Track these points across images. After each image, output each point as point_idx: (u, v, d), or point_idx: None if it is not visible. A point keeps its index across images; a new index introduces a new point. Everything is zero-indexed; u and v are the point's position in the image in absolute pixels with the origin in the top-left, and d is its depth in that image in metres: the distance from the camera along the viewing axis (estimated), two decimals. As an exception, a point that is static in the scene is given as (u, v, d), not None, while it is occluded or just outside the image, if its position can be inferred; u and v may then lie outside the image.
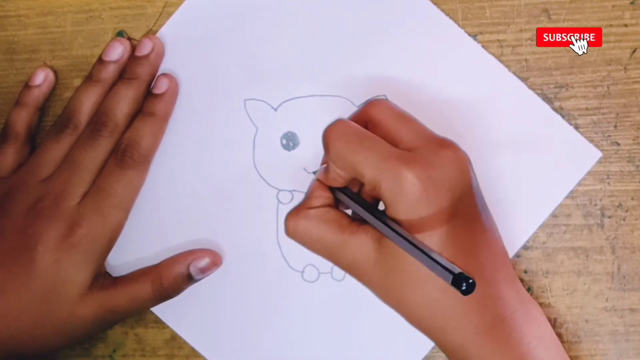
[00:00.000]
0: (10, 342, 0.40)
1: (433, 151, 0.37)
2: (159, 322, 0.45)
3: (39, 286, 0.40)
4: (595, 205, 0.43)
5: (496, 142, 0.43)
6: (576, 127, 0.43)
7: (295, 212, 0.40)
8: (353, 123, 0.39)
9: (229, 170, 0.44)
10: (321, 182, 0.41)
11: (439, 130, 0.41)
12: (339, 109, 0.44)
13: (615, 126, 0.43)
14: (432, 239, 0.36)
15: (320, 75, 0.44)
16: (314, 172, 0.42)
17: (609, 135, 0.43)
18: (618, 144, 0.43)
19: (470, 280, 0.33)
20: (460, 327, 0.37)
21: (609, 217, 0.43)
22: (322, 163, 0.42)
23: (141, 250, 0.44)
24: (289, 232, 0.40)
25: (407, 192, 0.36)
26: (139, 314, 0.44)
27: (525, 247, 0.43)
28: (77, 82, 0.45)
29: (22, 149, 0.44)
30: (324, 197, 0.40)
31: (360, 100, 0.43)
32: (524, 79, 0.43)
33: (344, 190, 0.40)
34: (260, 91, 0.44)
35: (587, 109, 0.43)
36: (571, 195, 0.43)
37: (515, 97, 0.43)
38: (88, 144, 0.42)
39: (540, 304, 0.43)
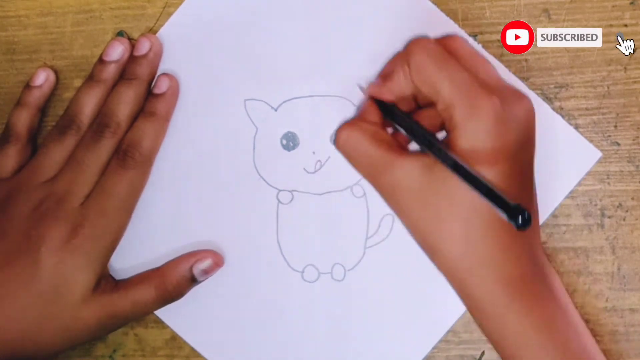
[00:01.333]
0: (12, 343, 0.40)
1: (511, 94, 0.37)
2: (159, 322, 0.45)
3: (42, 288, 0.40)
4: (595, 205, 0.43)
5: (496, 142, 0.43)
6: (576, 127, 0.43)
7: (350, 124, 0.40)
8: (438, 44, 0.39)
9: (229, 170, 0.44)
10: (372, 102, 0.40)
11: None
12: (339, 109, 0.44)
13: (615, 126, 0.43)
14: (489, 173, 0.36)
15: (320, 76, 0.44)
16: (361, 86, 0.42)
17: (609, 135, 0.43)
18: (618, 144, 0.43)
19: (527, 214, 0.32)
20: (494, 272, 0.37)
21: (609, 217, 0.43)
22: (381, 74, 0.41)
23: (142, 253, 0.44)
24: (340, 142, 0.40)
25: (482, 120, 0.36)
26: (142, 317, 0.44)
27: (525, 247, 0.43)
28: (78, 82, 0.45)
29: (24, 150, 0.44)
30: (376, 114, 0.40)
31: (359, 100, 0.43)
32: (524, 79, 0.43)
33: (396, 108, 0.40)
34: (260, 91, 0.44)
35: (587, 109, 0.43)
36: (571, 195, 0.43)
37: (515, 97, 0.43)
38: (91, 146, 0.42)
39: (541, 304, 0.43)
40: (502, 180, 0.36)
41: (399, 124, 0.39)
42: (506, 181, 0.36)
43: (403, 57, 0.38)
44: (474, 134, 0.36)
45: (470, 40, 0.43)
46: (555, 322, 0.37)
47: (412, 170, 0.38)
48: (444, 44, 0.39)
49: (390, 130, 0.41)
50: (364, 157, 0.39)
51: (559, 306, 0.38)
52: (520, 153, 0.37)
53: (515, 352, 0.37)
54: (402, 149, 0.39)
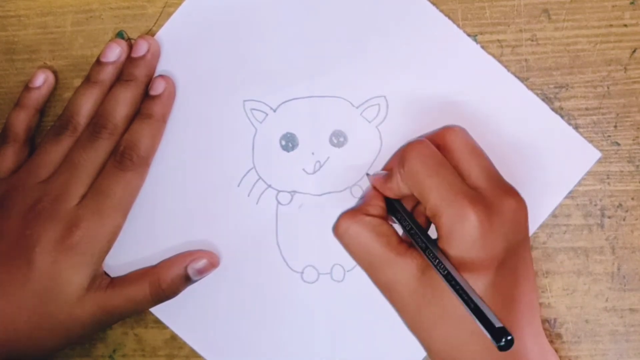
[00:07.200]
0: (7, 343, 0.40)
1: (499, 196, 0.37)
2: (159, 322, 0.45)
3: (37, 287, 0.40)
4: (595, 205, 0.43)
5: (496, 142, 0.43)
6: (576, 127, 0.43)
7: (351, 214, 0.40)
8: (434, 147, 0.39)
9: (228, 171, 0.44)
10: (377, 191, 0.41)
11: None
12: (338, 110, 0.44)
13: (615, 126, 0.43)
14: (477, 282, 0.36)
15: (319, 76, 0.44)
16: (368, 174, 0.43)
17: (609, 135, 0.43)
18: (618, 144, 0.43)
19: (509, 337, 0.33)
20: None
21: (609, 217, 0.43)
22: (385, 169, 0.41)
23: (140, 251, 0.44)
24: (339, 232, 0.40)
25: (466, 232, 0.36)
26: (137, 314, 0.45)
27: (525, 248, 0.43)
28: (77, 82, 0.45)
29: (21, 151, 0.44)
30: (380, 207, 0.41)
31: (359, 101, 0.43)
32: (523, 79, 0.43)
33: (399, 204, 0.40)
34: (259, 92, 0.44)
35: (587, 109, 0.43)
36: (571, 195, 0.43)
37: (515, 97, 0.43)
38: (87, 146, 0.42)
39: (540, 304, 0.43)
40: (490, 289, 0.36)
41: (399, 221, 0.40)
42: (494, 290, 0.36)
43: (400, 160, 0.39)
44: (459, 244, 0.36)
45: (470, 40, 0.43)
46: None
47: (407, 271, 0.38)
48: (441, 137, 0.40)
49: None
50: (362, 250, 0.40)
51: None
52: (511, 255, 0.37)
53: None
54: (401, 245, 0.39)
